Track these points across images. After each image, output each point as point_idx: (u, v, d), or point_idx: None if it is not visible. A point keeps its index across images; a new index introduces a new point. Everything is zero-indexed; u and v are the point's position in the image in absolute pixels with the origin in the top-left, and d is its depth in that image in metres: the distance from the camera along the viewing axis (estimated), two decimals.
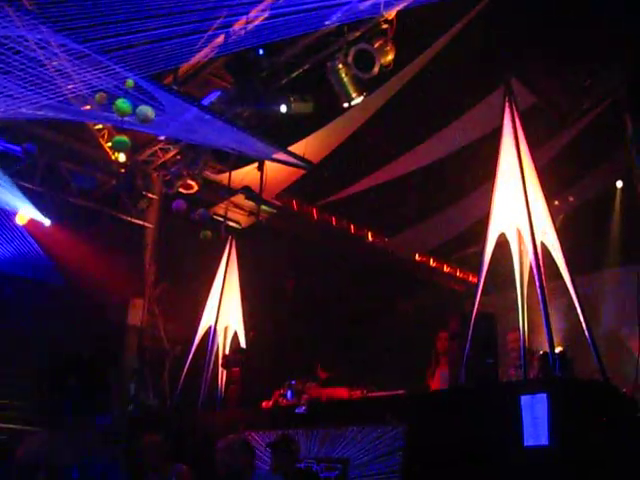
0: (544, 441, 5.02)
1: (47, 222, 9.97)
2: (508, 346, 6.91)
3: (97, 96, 7.53)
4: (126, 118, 7.21)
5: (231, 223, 11.71)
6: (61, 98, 7.22)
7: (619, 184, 12.67)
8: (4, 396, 9.09)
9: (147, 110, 7.21)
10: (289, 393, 7.72)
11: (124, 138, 8.15)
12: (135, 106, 7.22)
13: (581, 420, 5.19)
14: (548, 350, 5.70)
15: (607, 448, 5.24)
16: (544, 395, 5.14)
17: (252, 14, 7.26)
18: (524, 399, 5.24)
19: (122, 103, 7.13)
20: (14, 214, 9.69)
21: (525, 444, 5.13)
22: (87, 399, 9.18)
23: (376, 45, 7.92)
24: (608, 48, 8.11)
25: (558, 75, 8.81)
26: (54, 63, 6.66)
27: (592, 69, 8.40)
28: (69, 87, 7.13)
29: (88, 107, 7.99)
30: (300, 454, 6.35)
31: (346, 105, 8.58)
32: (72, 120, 8.70)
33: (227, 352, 9.70)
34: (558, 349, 5.94)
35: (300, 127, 9.77)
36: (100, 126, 10.09)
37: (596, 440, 5.20)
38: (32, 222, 9.84)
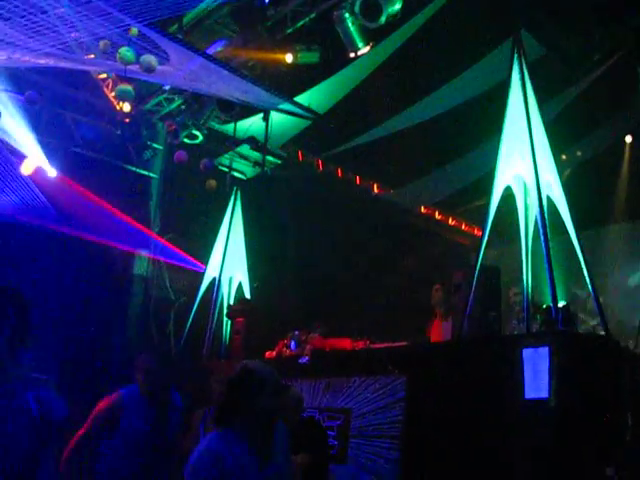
0: (544, 394, 5.06)
1: (53, 172, 9.95)
2: (511, 300, 6.94)
3: (101, 43, 7.45)
4: (130, 67, 7.14)
5: (236, 174, 11.69)
6: (64, 46, 7.15)
7: (628, 139, 12.55)
8: None
9: (151, 59, 7.15)
10: (292, 343, 7.78)
11: (128, 87, 8.09)
12: (139, 55, 7.16)
13: (582, 374, 5.22)
14: (551, 304, 5.73)
15: (607, 402, 5.29)
16: (546, 348, 5.16)
17: None
18: (526, 352, 5.27)
19: (126, 51, 7.07)
20: (19, 163, 9.67)
21: (526, 396, 5.18)
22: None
23: None
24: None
25: (568, 26, 8.66)
26: (56, 10, 6.57)
27: (603, 20, 8.24)
28: (72, 35, 7.05)
29: (92, 56, 7.91)
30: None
31: (352, 55, 8.48)
32: (76, 69, 8.62)
33: (232, 302, 9.76)
34: (561, 303, 5.96)
35: (306, 77, 9.67)
36: (104, 75, 10.00)
37: (596, 394, 5.25)
38: (37, 172, 9.83)
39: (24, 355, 3.09)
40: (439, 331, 7.23)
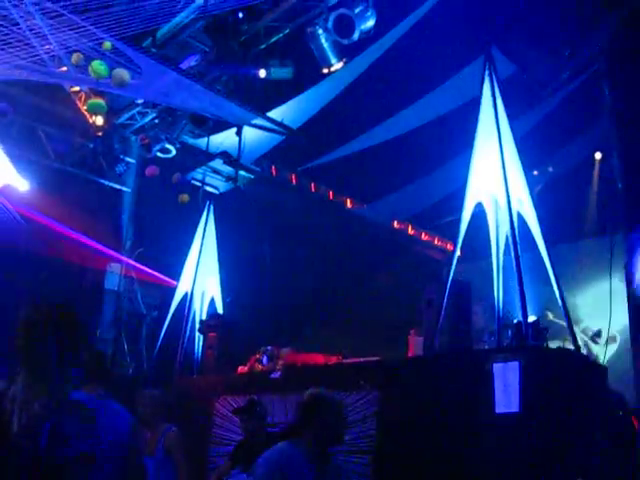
0: (515, 408, 5.10)
1: (24, 186, 9.85)
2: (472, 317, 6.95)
3: (73, 56, 7.40)
4: (102, 81, 7.11)
5: (209, 188, 11.65)
6: (36, 59, 7.10)
7: (598, 155, 12.73)
8: None
9: (123, 73, 7.12)
10: (265, 358, 7.76)
11: (100, 101, 8.06)
12: (112, 68, 7.13)
13: (552, 388, 5.27)
14: (522, 319, 5.77)
15: (577, 416, 5.33)
16: (516, 363, 5.20)
17: None
18: (496, 367, 5.30)
19: (98, 65, 7.04)
20: None
21: (496, 411, 5.21)
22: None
23: (357, 10, 7.86)
24: (588, 17, 8.09)
25: (539, 44, 8.79)
26: (28, 22, 6.53)
27: (572, 38, 8.38)
28: (44, 47, 7.01)
29: (64, 69, 7.86)
30: (272, 418, 6.44)
31: (326, 71, 8.53)
32: (48, 81, 8.56)
33: (204, 317, 9.71)
34: (531, 318, 6.00)
35: (279, 92, 9.70)
36: (77, 88, 9.93)
37: (566, 408, 5.29)
38: (8, 186, 9.72)
39: (73, 372, 3.03)
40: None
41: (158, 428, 5.93)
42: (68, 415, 2.86)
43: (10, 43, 6.65)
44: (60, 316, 3.03)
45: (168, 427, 5.96)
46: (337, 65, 8.39)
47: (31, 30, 6.64)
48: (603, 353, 7.91)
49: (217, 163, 11.15)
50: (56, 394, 2.88)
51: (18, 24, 6.51)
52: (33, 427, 2.75)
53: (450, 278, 6.23)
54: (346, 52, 8.40)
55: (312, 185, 13.30)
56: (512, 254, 5.98)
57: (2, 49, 6.64)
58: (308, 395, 4.14)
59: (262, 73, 8.83)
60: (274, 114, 10.03)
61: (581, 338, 10.37)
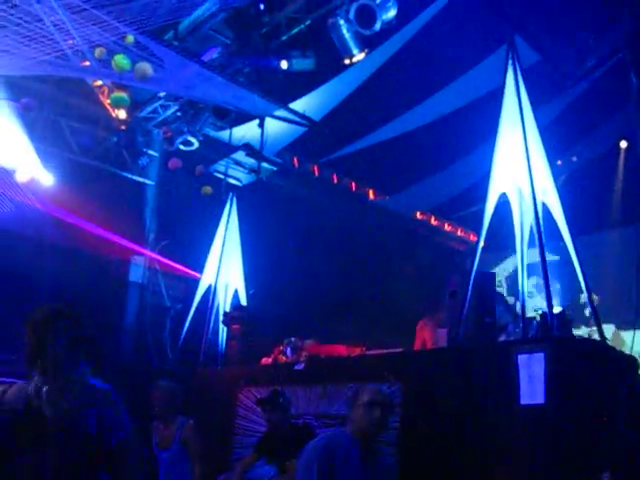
0: (540, 400, 5.06)
1: (49, 180, 9.93)
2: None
3: (96, 51, 7.45)
4: (125, 74, 7.14)
5: (232, 180, 11.67)
6: (59, 54, 7.14)
7: (623, 144, 12.60)
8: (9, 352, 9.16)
9: (145, 67, 7.15)
10: (288, 350, 7.78)
11: (123, 95, 8.09)
12: (134, 62, 7.15)
13: (578, 379, 5.23)
14: (547, 310, 5.73)
15: (603, 407, 5.29)
16: (541, 354, 5.17)
17: None
18: (521, 358, 5.27)
19: (121, 59, 7.07)
20: (15, 171, 9.64)
21: (521, 402, 5.18)
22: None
23: (378, 1, 7.81)
24: (612, 5, 7.99)
25: (562, 32, 8.69)
26: (51, 18, 6.57)
27: (597, 26, 8.28)
28: (67, 42, 7.05)
29: (87, 63, 7.90)
30: (296, 409, 6.46)
31: (347, 62, 8.50)
32: (71, 76, 8.61)
33: (228, 309, 9.75)
34: (557, 309, 5.96)
35: (301, 84, 9.69)
36: (100, 82, 9.99)
37: (592, 399, 5.25)
38: (33, 180, 9.80)
39: (86, 365, 3.26)
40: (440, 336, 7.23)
41: (174, 421, 5.89)
42: (106, 404, 3.12)
43: (34, 39, 6.69)
44: (67, 315, 3.30)
45: (184, 420, 5.93)
46: (359, 56, 8.36)
47: (54, 25, 6.68)
48: (630, 344, 7.81)
49: (240, 155, 11.17)
50: (78, 385, 3.09)
51: (41, 20, 6.55)
52: (76, 416, 2.98)
53: (474, 269, 6.19)
54: (368, 43, 8.35)
55: (334, 177, 13.28)
56: (537, 245, 5.94)
57: (26, 45, 6.69)
58: (357, 387, 4.55)
59: (284, 64, 8.82)
60: (296, 106, 10.02)
61: None
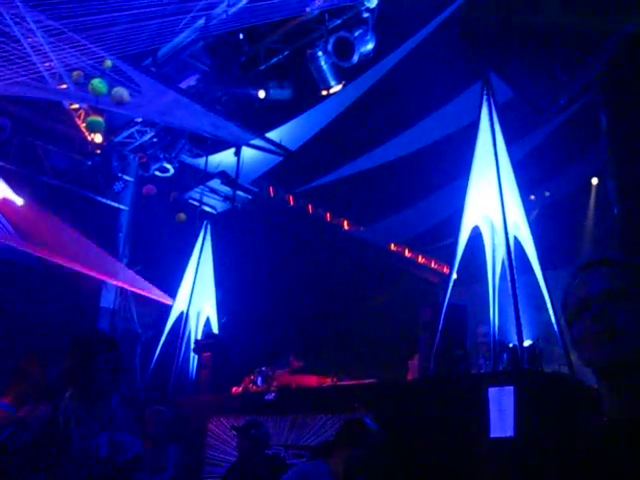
0: (510, 433, 5.06)
1: (20, 201, 9.85)
2: (478, 339, 6.96)
3: (74, 74, 7.44)
4: (102, 98, 7.14)
5: (206, 208, 11.66)
6: (36, 76, 7.13)
7: (594, 181, 12.78)
8: None
9: (122, 92, 7.15)
10: (259, 379, 7.73)
11: (99, 119, 8.08)
12: (111, 87, 7.16)
13: (547, 413, 5.23)
14: (517, 343, 5.76)
15: (572, 441, 5.29)
16: (511, 388, 5.18)
17: None
18: (492, 391, 5.28)
19: (98, 83, 7.07)
20: None
21: (491, 435, 5.17)
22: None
23: (356, 34, 7.91)
24: (584, 44, 8.15)
25: (535, 70, 8.84)
26: (29, 39, 6.56)
27: (568, 65, 8.43)
28: (45, 65, 7.04)
29: (64, 86, 7.89)
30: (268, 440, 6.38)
31: (325, 93, 8.57)
32: (47, 98, 8.59)
33: (199, 337, 9.68)
34: (527, 342, 5.99)
35: (278, 114, 9.74)
36: (76, 105, 9.97)
37: (562, 433, 5.25)
38: (4, 201, 9.72)
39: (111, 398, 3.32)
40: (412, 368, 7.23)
41: (165, 446, 5.91)
42: (115, 428, 3.21)
43: (10, 60, 6.68)
44: (114, 345, 3.31)
45: (173, 445, 5.99)
46: (336, 87, 8.44)
47: (32, 47, 6.68)
48: None
49: (215, 183, 11.18)
50: (105, 411, 3.21)
51: (19, 41, 6.54)
52: (92, 438, 3.07)
53: (446, 301, 6.22)
54: (345, 75, 8.44)
55: (309, 206, 13.30)
56: (508, 278, 5.98)
57: (2, 65, 6.67)
58: (353, 418, 4.26)
59: (261, 94, 8.87)
60: (273, 135, 10.06)
61: None
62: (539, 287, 6.37)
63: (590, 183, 12.85)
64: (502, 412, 5.15)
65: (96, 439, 3.07)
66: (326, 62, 8.19)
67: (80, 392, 3.12)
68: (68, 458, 2.96)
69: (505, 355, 5.90)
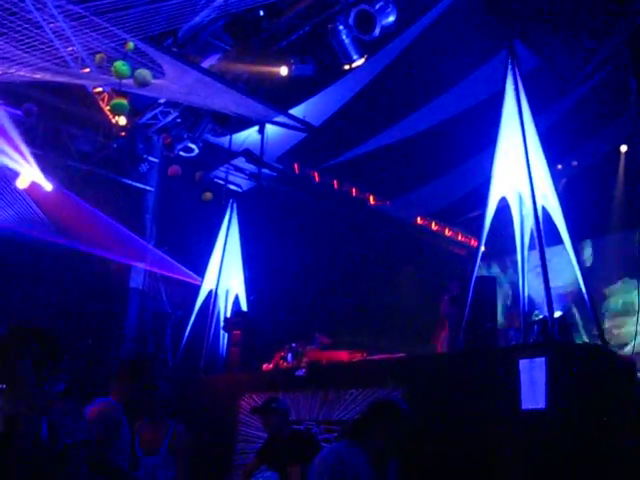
0: (541, 405, 5.05)
1: (49, 187, 9.94)
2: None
3: (96, 57, 7.46)
4: (125, 81, 7.14)
5: (232, 187, 11.68)
6: (59, 60, 7.15)
7: (623, 148, 12.60)
8: None
9: (145, 73, 7.14)
10: (289, 356, 7.77)
11: (123, 101, 8.06)
12: (134, 69, 7.15)
13: (578, 384, 5.21)
14: (547, 314, 5.72)
15: (604, 412, 5.27)
16: (542, 359, 5.16)
17: None
18: (522, 363, 5.26)
19: (121, 65, 7.05)
20: (15, 178, 9.65)
21: (523, 407, 5.17)
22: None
23: (377, 6, 7.82)
24: (612, 9, 7.99)
25: (562, 37, 8.70)
26: (51, 25, 6.58)
27: (596, 31, 8.28)
28: (67, 49, 7.06)
29: (87, 70, 7.90)
30: (297, 415, 6.44)
31: (347, 67, 8.51)
32: (71, 83, 8.62)
33: (228, 315, 9.74)
34: (557, 313, 5.95)
35: (301, 90, 9.69)
36: (100, 89, 10.00)
37: (593, 404, 5.23)
38: (33, 186, 9.81)
39: (55, 385, 3.28)
40: (444, 342, 7.25)
41: (162, 424, 5.50)
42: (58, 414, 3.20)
43: (34, 46, 6.70)
44: (36, 338, 3.26)
45: (174, 426, 5.52)
46: (358, 61, 8.37)
47: (54, 32, 6.69)
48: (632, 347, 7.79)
49: (240, 161, 11.18)
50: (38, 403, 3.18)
51: (41, 27, 6.56)
52: (29, 423, 3.06)
53: (474, 274, 6.19)
54: (367, 48, 8.36)
55: (335, 182, 13.27)
56: (537, 249, 5.93)
57: (26, 52, 6.70)
58: (382, 398, 4.45)
59: (284, 71, 8.82)
60: (296, 111, 10.02)
61: None
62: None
63: (619, 151, 12.67)
64: (533, 384, 5.14)
65: (36, 422, 3.08)
66: (347, 36, 8.11)
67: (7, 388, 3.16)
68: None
69: (535, 327, 5.87)
